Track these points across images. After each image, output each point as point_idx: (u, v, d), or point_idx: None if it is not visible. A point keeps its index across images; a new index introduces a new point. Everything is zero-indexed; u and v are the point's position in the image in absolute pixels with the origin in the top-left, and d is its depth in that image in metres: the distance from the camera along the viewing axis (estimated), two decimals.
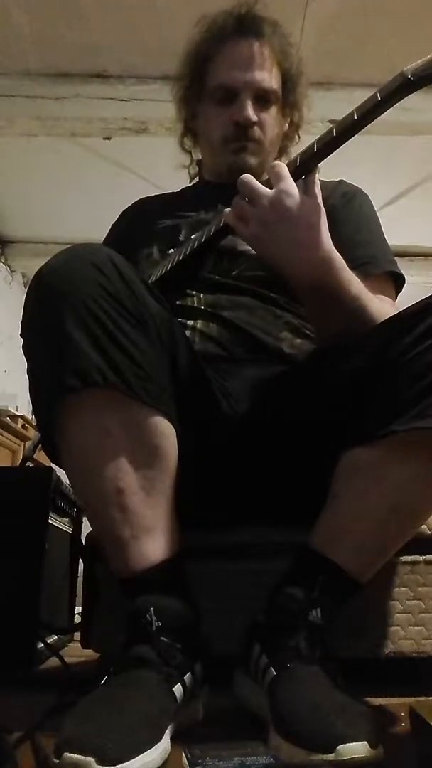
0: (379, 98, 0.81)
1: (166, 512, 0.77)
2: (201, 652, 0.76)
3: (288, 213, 0.82)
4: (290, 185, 0.83)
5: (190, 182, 1.37)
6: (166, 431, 0.77)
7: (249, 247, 1.12)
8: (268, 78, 1.17)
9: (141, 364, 0.75)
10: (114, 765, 0.54)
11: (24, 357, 0.80)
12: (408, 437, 0.74)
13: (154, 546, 0.75)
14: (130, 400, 0.74)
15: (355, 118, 0.83)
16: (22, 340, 0.81)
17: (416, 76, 0.79)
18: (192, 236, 1.06)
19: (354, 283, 0.90)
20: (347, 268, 0.89)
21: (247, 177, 0.86)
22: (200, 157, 1.32)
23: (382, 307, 0.94)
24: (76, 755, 0.54)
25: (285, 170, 0.84)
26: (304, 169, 0.85)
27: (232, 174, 1.19)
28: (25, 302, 0.79)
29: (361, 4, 2.56)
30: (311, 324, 1.01)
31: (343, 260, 0.89)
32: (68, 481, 0.85)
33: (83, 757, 0.53)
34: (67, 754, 0.54)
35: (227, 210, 0.89)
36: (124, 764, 0.55)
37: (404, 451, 0.75)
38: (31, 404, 0.82)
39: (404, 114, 2.76)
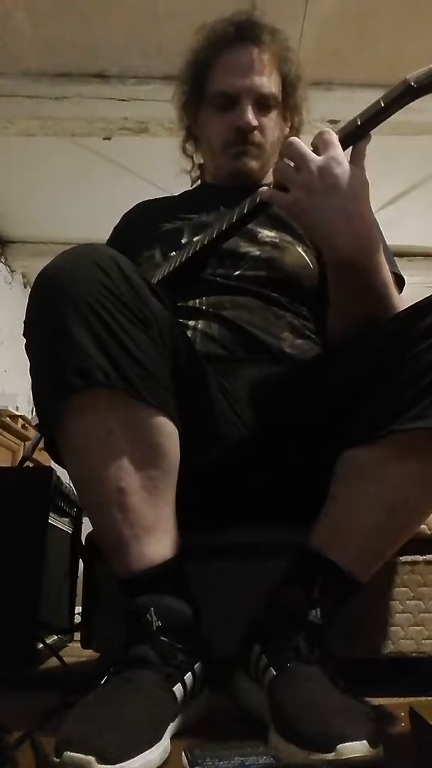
0: (383, 105, 0.82)
1: (167, 512, 0.77)
2: (201, 652, 0.76)
3: (336, 181, 0.80)
4: (340, 153, 0.81)
5: (191, 186, 1.37)
6: (167, 431, 0.77)
7: (251, 249, 1.13)
8: (268, 83, 1.18)
9: (143, 364, 0.75)
10: (114, 764, 0.54)
11: (26, 357, 0.80)
12: (408, 437, 0.74)
13: (155, 546, 0.75)
14: (133, 399, 0.74)
15: (359, 124, 0.83)
16: (25, 340, 0.81)
17: (419, 83, 0.79)
18: (195, 239, 1.05)
19: (385, 268, 0.89)
20: (383, 251, 0.87)
21: (296, 140, 0.83)
22: (202, 161, 1.33)
23: (401, 302, 0.93)
24: (76, 754, 0.54)
25: (335, 137, 0.82)
26: (350, 140, 0.84)
27: (233, 178, 1.20)
28: (28, 302, 0.79)
29: (361, 4, 2.56)
30: (331, 309, 0.98)
31: (380, 241, 0.87)
32: (69, 481, 0.85)
33: (84, 756, 0.53)
34: (68, 753, 0.54)
35: (263, 188, 0.87)
36: (125, 763, 0.55)
37: (404, 452, 0.75)
38: (31, 404, 0.82)
39: (404, 114, 2.74)
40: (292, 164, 0.83)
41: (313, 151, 0.83)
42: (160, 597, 0.73)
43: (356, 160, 0.83)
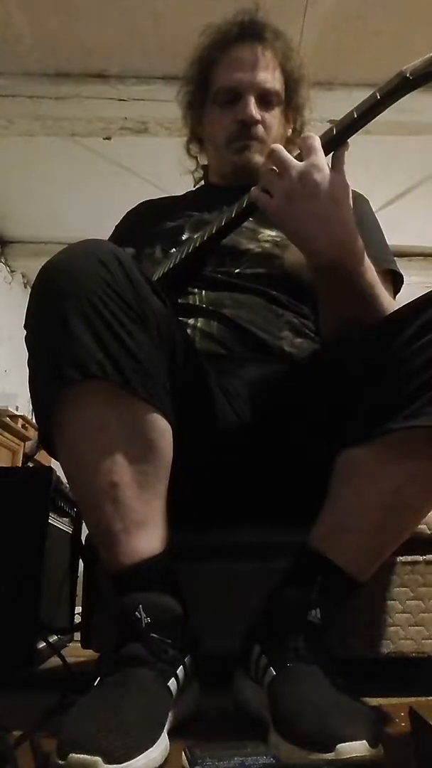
0: (379, 97, 0.82)
1: (158, 507, 0.77)
2: (191, 646, 0.76)
3: (316, 187, 0.81)
4: (321, 159, 0.82)
5: (194, 186, 1.37)
6: (161, 427, 0.77)
7: (251, 247, 1.13)
8: (271, 79, 1.18)
9: (140, 360, 0.75)
10: (120, 763, 0.54)
11: (26, 351, 0.81)
12: (404, 436, 0.74)
13: (145, 540, 0.75)
14: (128, 394, 0.74)
15: (355, 117, 0.83)
16: (25, 333, 0.81)
17: (415, 75, 0.79)
18: (195, 235, 1.05)
19: (371, 270, 0.90)
20: (366, 254, 0.88)
21: (278, 147, 0.84)
22: (205, 162, 1.34)
23: (392, 301, 0.94)
24: (82, 755, 0.54)
25: (317, 143, 0.83)
26: (331, 146, 0.84)
27: (236, 173, 1.20)
28: (30, 295, 0.79)
29: (361, 4, 2.57)
30: (320, 312, 0.99)
31: (363, 245, 0.87)
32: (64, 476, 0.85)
33: (90, 757, 0.53)
34: (73, 755, 0.54)
35: (254, 187, 0.88)
36: (130, 762, 0.55)
37: (401, 450, 0.75)
38: (30, 401, 0.82)
39: (404, 114, 2.76)
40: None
41: (298, 154, 0.84)
42: (148, 594, 0.73)
43: (336, 166, 0.83)
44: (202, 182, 1.36)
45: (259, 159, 1.18)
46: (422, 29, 2.57)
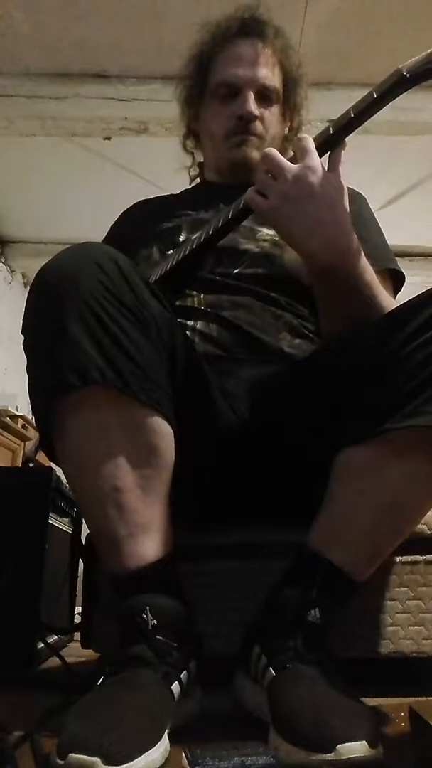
0: (376, 96, 0.82)
1: (162, 511, 0.77)
2: (195, 650, 0.76)
3: (311, 189, 0.81)
4: (315, 161, 0.82)
5: (190, 184, 1.37)
6: (163, 431, 0.77)
7: (250, 246, 1.13)
8: (270, 76, 1.19)
9: (140, 364, 0.75)
10: (119, 764, 0.54)
11: (24, 355, 0.80)
12: (401, 436, 0.73)
13: (149, 544, 0.75)
14: (129, 399, 0.74)
15: (352, 116, 0.83)
16: (23, 337, 0.81)
17: (412, 73, 0.80)
18: (192, 236, 1.05)
19: (368, 270, 0.90)
20: (363, 254, 0.88)
21: (272, 150, 0.85)
22: (202, 159, 1.33)
23: (391, 300, 0.94)
24: (82, 756, 0.53)
25: (311, 144, 0.83)
26: (328, 145, 0.85)
27: (233, 169, 1.20)
28: (27, 299, 0.79)
29: (361, 4, 2.57)
30: (319, 312, 0.99)
31: (359, 246, 0.87)
32: (66, 480, 0.85)
33: (89, 758, 0.53)
34: (73, 755, 0.54)
35: (250, 190, 0.89)
36: (130, 764, 0.55)
37: (399, 450, 0.75)
38: (30, 402, 0.82)
39: (404, 114, 2.76)
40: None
41: (293, 156, 0.84)
42: (155, 596, 0.73)
43: (332, 167, 0.84)
44: (198, 180, 1.35)
45: (256, 155, 1.18)
46: (422, 29, 2.56)
